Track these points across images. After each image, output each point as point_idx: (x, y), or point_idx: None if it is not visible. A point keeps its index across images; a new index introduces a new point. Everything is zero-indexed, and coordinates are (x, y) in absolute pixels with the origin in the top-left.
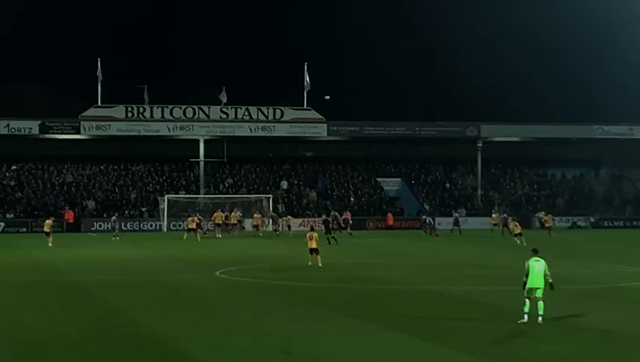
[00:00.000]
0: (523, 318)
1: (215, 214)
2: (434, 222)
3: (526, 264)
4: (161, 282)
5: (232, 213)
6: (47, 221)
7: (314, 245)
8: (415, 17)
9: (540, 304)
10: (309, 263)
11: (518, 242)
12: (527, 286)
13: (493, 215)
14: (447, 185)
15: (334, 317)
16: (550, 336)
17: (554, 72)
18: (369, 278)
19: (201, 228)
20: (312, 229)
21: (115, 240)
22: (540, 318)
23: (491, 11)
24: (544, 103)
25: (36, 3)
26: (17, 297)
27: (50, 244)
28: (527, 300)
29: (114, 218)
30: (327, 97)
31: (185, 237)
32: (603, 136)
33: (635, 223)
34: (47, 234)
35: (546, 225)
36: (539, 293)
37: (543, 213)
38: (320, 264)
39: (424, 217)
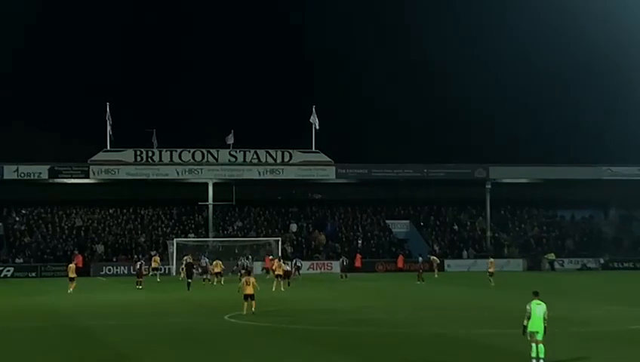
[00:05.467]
0: None
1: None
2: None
3: (528, 307)
4: (170, 326)
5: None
6: (70, 265)
7: (250, 291)
8: (424, 60)
9: (541, 347)
10: (244, 312)
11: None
12: (529, 329)
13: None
14: (456, 227)
15: None
16: None
17: (563, 114)
18: (379, 321)
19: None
20: (249, 274)
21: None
22: None
23: (501, 55)
24: (553, 145)
25: (46, 48)
26: (24, 343)
27: (70, 290)
28: (533, 344)
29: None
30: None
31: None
32: (612, 178)
33: None
34: (72, 279)
35: (490, 269)
36: (539, 337)
37: (553, 254)
38: (254, 310)
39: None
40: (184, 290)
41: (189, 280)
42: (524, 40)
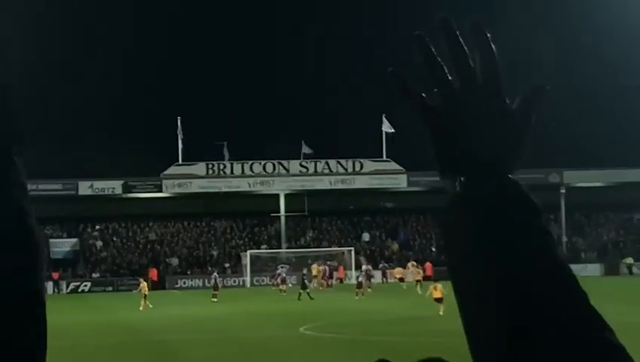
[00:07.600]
0: None
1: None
2: None
3: None
4: (245, 340)
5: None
6: (143, 283)
7: (439, 295)
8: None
9: None
10: (440, 312)
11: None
12: None
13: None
14: None
15: None
16: None
17: (636, 114)
18: (452, 332)
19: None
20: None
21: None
22: None
23: (573, 58)
24: (627, 146)
25: (117, 64)
26: (102, 359)
27: (140, 308)
28: None
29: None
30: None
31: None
32: None
33: None
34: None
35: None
36: None
37: (631, 258)
38: (441, 313)
39: None
40: (260, 303)
41: (304, 291)
42: (598, 39)
